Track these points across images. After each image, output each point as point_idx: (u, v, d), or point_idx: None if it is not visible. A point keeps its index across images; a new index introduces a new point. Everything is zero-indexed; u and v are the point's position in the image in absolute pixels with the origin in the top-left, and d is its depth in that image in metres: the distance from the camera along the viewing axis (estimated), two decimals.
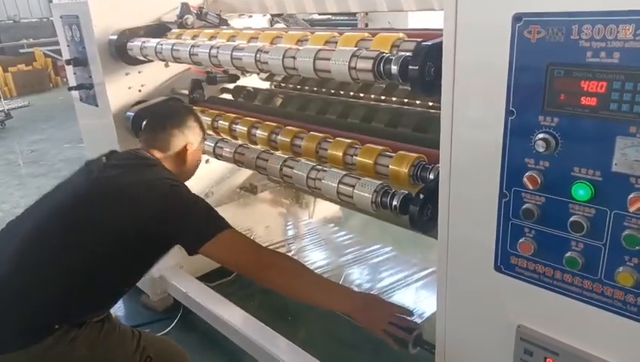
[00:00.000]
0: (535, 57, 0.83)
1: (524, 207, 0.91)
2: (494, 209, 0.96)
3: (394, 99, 1.83)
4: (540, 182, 0.87)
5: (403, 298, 1.76)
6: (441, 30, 0.94)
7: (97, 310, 1.42)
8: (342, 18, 4.48)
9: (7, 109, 7.24)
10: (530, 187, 0.88)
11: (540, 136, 0.84)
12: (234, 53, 1.57)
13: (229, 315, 2.11)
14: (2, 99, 7.38)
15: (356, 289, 1.80)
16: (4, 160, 5.51)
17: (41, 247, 1.34)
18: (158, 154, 1.57)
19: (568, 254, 0.87)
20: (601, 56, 0.76)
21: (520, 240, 0.93)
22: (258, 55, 1.48)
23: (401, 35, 1.28)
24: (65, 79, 7.03)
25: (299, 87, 2.22)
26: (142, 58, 2.05)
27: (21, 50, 10.05)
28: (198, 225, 1.36)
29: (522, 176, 0.89)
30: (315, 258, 2.15)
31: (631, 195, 0.78)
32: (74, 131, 5.99)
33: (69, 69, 2.35)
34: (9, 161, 5.46)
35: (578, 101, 0.80)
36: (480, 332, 1.07)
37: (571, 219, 0.85)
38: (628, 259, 0.81)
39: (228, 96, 2.41)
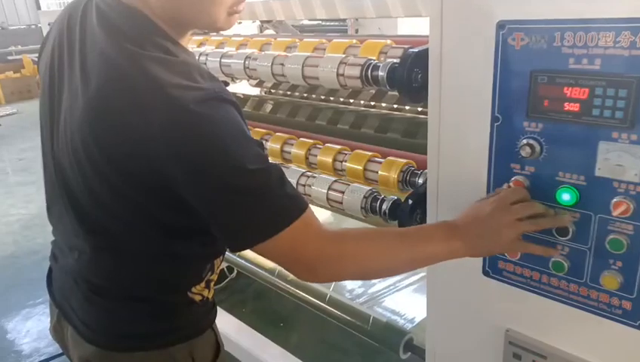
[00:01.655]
0: (519, 64, 0.84)
1: None
2: None
3: (383, 105, 1.83)
4: (526, 186, 0.88)
5: (394, 303, 1.77)
6: (428, 36, 0.96)
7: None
8: (332, 24, 4.50)
9: None
10: None
11: (525, 141, 0.86)
12: (223, 60, 1.57)
13: (220, 322, 2.08)
14: None
15: (348, 295, 1.80)
16: None
17: None
18: None
19: (554, 258, 0.88)
20: (583, 62, 0.77)
21: None
22: (247, 62, 1.48)
23: (388, 41, 1.29)
24: None
25: (289, 93, 2.23)
26: None
27: (9, 58, 9.97)
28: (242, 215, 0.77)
29: (509, 181, 0.90)
30: None
31: (614, 199, 0.79)
32: None
33: None
34: None
35: (561, 107, 0.81)
36: (469, 337, 1.08)
37: None
38: (612, 263, 0.82)
39: None
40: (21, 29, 11.79)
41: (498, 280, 0.98)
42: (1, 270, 3.17)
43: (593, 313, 0.87)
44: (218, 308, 2.31)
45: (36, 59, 9.36)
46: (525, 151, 0.85)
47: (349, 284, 1.95)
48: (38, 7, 11.84)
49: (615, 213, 0.79)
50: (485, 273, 0.99)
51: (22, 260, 3.26)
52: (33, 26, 11.62)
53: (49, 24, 2.21)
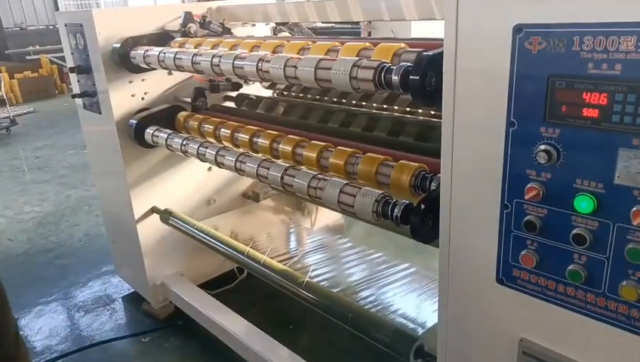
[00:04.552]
0: (536, 68, 0.82)
1: (525, 218, 0.90)
2: (496, 220, 0.95)
3: (396, 107, 1.82)
4: (541, 193, 0.86)
5: (406, 306, 1.75)
6: (442, 40, 0.94)
7: None
8: (345, 27, 4.50)
9: (13, 115, 7.28)
10: (532, 199, 0.87)
11: (542, 147, 0.84)
12: (236, 62, 1.57)
13: (230, 323, 2.11)
14: (8, 106, 7.44)
15: (357, 298, 1.78)
16: (8, 166, 5.54)
17: None
18: None
19: (571, 267, 0.86)
20: (602, 67, 0.76)
21: (522, 253, 0.92)
22: (259, 64, 1.48)
23: (402, 44, 1.28)
24: (70, 86, 7.13)
25: (301, 95, 2.23)
26: (145, 66, 2.06)
27: (27, 57, 10.13)
28: None
29: (524, 188, 0.88)
30: (317, 266, 2.14)
31: (634, 208, 0.77)
32: (78, 138, 6.04)
33: (73, 77, 2.36)
34: (13, 167, 5.49)
35: (580, 113, 0.79)
36: (482, 345, 1.06)
37: (574, 231, 0.84)
38: (632, 273, 0.80)
39: (231, 104, 2.42)
40: (39, 30, 11.98)
41: (512, 288, 0.96)
42: (14, 267, 3.20)
43: (611, 324, 0.85)
44: (228, 309, 2.33)
45: (54, 59, 9.51)
46: (542, 158, 0.84)
47: (360, 287, 1.93)
48: (56, 8, 12.02)
49: (635, 223, 0.77)
50: (499, 281, 0.98)
51: (35, 258, 3.30)
52: (51, 27, 11.80)
53: (65, 25, 2.24)
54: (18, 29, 11.84)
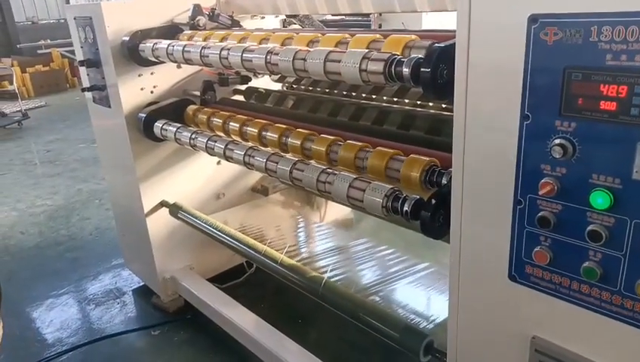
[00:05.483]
0: (552, 60, 0.80)
1: (539, 214, 0.88)
2: (509, 216, 0.93)
3: (407, 100, 1.80)
4: (556, 189, 0.84)
5: (416, 300, 1.74)
6: (454, 31, 0.92)
7: None
8: (355, 19, 4.46)
9: (25, 109, 7.36)
10: (547, 194, 0.85)
11: (557, 141, 0.82)
12: (244, 55, 1.56)
13: (239, 318, 2.11)
14: (20, 100, 7.51)
15: (367, 293, 1.77)
16: (20, 159, 5.60)
17: None
18: None
19: (586, 264, 0.84)
20: (621, 59, 0.73)
21: (535, 249, 0.90)
22: (268, 57, 1.46)
23: (413, 36, 1.26)
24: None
25: (311, 88, 2.21)
26: (154, 59, 2.05)
27: (39, 51, 10.22)
28: None
29: (538, 183, 0.86)
30: (328, 262, 2.13)
31: None
32: (89, 131, 6.07)
33: (83, 70, 2.36)
34: (25, 161, 5.55)
35: (597, 105, 0.77)
36: (493, 343, 1.04)
37: (589, 228, 0.82)
38: None
39: (240, 98, 2.41)
40: (50, 24, 12.06)
41: (525, 285, 0.94)
42: (26, 260, 3.24)
43: (627, 323, 0.83)
44: (237, 303, 2.33)
45: (65, 52, 9.58)
46: (557, 152, 0.81)
47: (372, 284, 1.92)
48: (67, 1, 12.08)
49: None
50: (511, 277, 0.96)
51: (46, 251, 3.33)
52: (62, 21, 11.88)
53: (75, 18, 2.24)
54: (30, 23, 11.93)
